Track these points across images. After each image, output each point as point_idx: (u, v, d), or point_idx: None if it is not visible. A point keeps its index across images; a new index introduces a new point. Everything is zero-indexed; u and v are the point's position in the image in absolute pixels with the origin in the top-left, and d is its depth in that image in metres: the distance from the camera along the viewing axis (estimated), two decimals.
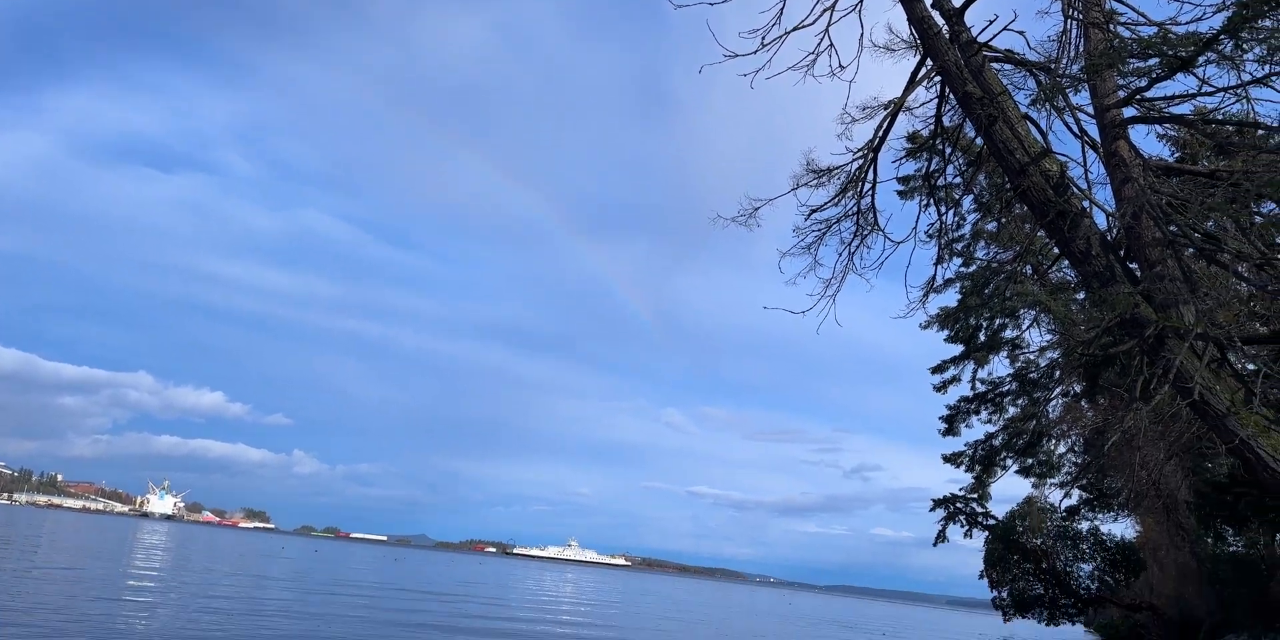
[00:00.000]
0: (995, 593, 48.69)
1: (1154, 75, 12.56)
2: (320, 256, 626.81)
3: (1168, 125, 16.12)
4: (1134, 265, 15.16)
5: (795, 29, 14.16)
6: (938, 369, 24.87)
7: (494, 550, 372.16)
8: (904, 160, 16.14)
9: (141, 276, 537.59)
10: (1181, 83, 12.85)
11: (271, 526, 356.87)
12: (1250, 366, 16.84)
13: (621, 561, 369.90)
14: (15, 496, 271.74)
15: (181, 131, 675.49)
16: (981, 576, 48.69)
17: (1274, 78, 11.94)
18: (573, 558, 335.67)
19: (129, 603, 18.59)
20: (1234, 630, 37.05)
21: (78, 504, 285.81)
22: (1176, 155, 18.49)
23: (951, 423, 25.98)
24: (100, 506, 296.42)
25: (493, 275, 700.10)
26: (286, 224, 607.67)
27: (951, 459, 28.77)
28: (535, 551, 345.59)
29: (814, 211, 15.19)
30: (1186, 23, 12.49)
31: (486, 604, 32.39)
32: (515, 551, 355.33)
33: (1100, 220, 14.23)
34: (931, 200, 16.12)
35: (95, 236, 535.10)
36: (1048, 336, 21.69)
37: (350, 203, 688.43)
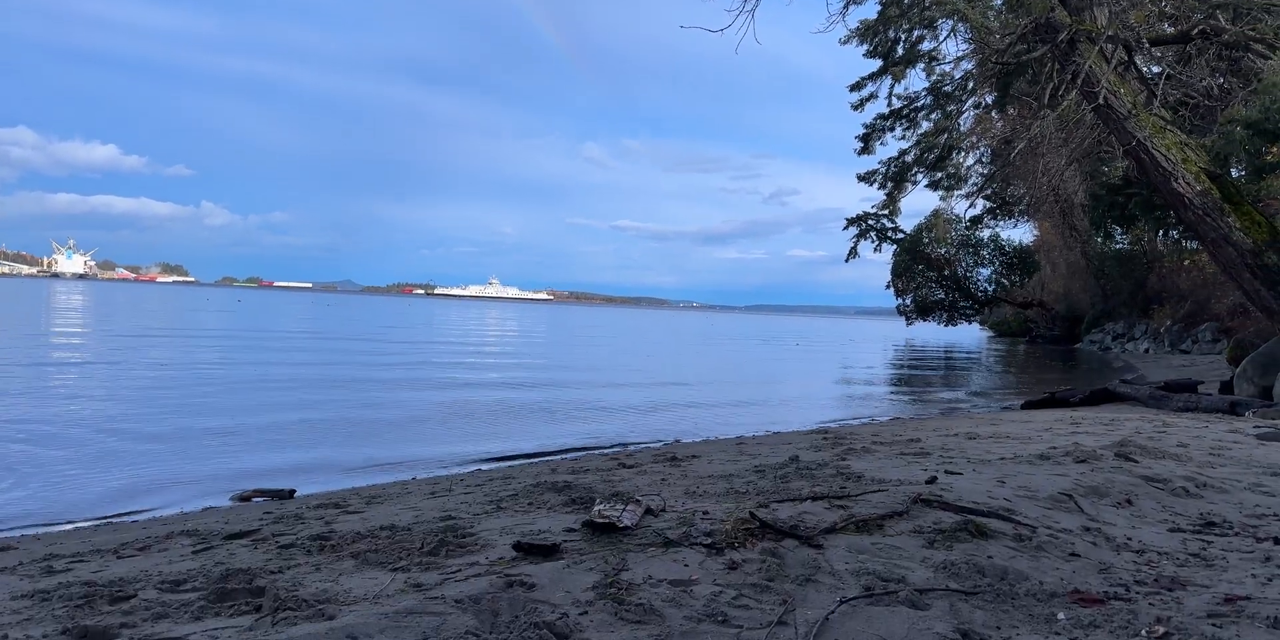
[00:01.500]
0: (900, 300, 52.31)
1: None
2: None
3: None
4: None
5: None
6: (856, 86, 24.66)
7: (422, 292, 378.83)
8: None
9: None
10: None
11: (191, 279, 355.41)
12: (1155, 69, 17.20)
13: (545, 296, 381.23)
14: None
15: None
16: (888, 287, 52.00)
17: None
18: (494, 295, 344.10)
19: (55, 366, 17.15)
20: (1113, 319, 40.88)
21: None
22: None
23: (867, 141, 26.25)
24: (5, 270, 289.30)
25: (388, 1, 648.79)
26: None
27: (865, 178, 29.37)
28: (457, 291, 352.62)
29: None
30: None
31: (424, 347, 33.33)
32: (437, 292, 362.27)
33: None
34: None
35: None
36: (964, 47, 21.53)
37: None
